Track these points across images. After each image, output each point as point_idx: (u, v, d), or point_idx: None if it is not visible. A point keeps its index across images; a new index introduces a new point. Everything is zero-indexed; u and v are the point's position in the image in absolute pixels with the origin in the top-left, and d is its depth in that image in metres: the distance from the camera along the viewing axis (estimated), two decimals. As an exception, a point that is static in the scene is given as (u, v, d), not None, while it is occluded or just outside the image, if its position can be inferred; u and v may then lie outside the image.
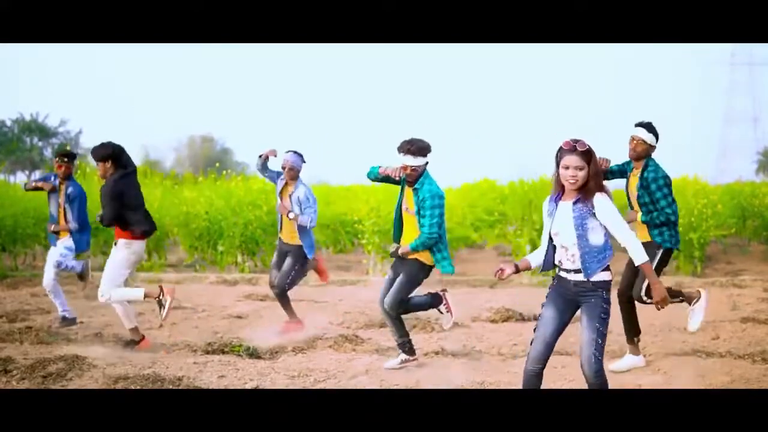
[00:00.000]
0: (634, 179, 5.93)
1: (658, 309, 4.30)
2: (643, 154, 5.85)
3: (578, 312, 4.23)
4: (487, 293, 10.02)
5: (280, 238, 7.46)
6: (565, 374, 5.76)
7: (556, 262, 4.25)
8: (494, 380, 5.66)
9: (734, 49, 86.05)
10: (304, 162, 7.37)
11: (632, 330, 6.05)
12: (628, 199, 6.02)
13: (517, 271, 4.32)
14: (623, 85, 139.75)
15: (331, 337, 7.00)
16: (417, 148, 5.73)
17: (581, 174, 4.08)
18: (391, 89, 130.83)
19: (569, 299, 4.22)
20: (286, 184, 7.37)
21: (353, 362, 6.17)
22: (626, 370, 5.93)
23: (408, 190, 5.91)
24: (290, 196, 7.31)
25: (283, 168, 7.32)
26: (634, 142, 5.86)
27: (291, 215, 7.20)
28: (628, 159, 5.98)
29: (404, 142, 5.77)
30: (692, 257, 12.49)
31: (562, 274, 4.23)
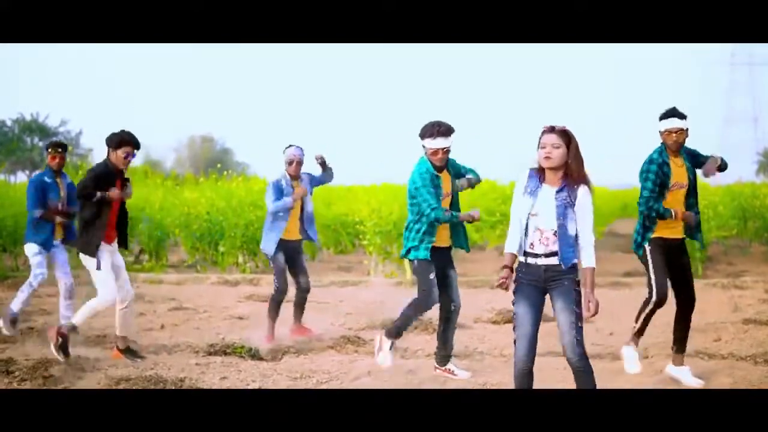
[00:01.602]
0: (683, 168, 5.69)
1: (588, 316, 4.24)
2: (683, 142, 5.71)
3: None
4: (489, 294, 10.00)
5: (281, 239, 7.33)
6: (568, 375, 5.74)
7: (526, 247, 4.22)
8: (496, 381, 5.66)
9: (734, 49, 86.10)
10: (304, 155, 7.40)
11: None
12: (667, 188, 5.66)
13: (513, 269, 4.31)
14: (623, 85, 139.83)
15: (333, 339, 7.00)
16: (446, 128, 5.65)
17: (556, 152, 4.12)
18: (391, 89, 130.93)
19: (539, 288, 4.22)
20: (294, 180, 7.34)
21: (355, 363, 6.17)
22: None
23: (441, 176, 5.78)
24: (303, 184, 7.34)
25: (291, 163, 7.28)
26: (678, 134, 5.61)
27: (306, 189, 7.27)
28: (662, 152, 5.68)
29: (431, 126, 5.66)
30: (694, 258, 12.48)
31: (531, 260, 4.22)
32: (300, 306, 7.41)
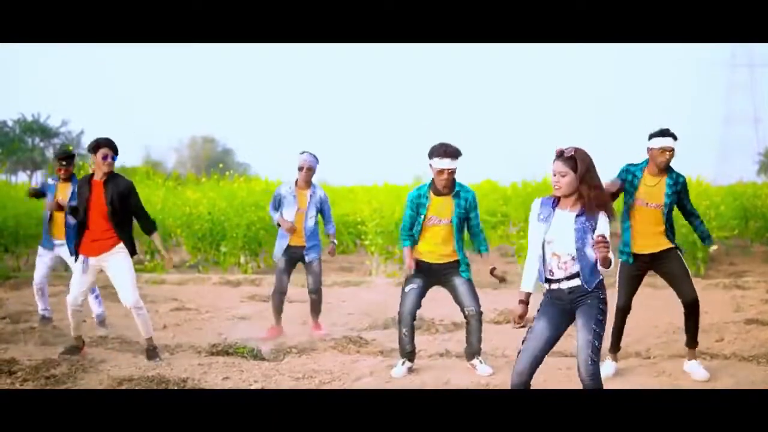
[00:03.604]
0: (659, 188, 5.74)
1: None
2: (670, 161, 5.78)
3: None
4: (491, 295, 10.00)
5: (289, 245, 7.36)
6: (571, 376, 5.75)
7: (547, 274, 4.20)
8: (499, 382, 5.66)
9: (734, 50, 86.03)
10: (318, 163, 7.37)
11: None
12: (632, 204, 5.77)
13: (527, 304, 4.30)
14: (623, 85, 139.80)
15: (335, 339, 7.00)
16: (453, 150, 5.70)
17: (564, 180, 4.10)
18: (392, 89, 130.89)
19: (564, 310, 4.19)
20: (300, 188, 7.35)
21: (357, 364, 6.17)
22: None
23: (439, 200, 5.85)
24: (310, 197, 7.33)
25: (301, 169, 7.29)
26: (670, 153, 5.70)
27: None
28: (631, 167, 5.81)
29: (439, 146, 5.71)
30: (695, 258, 12.47)
31: (554, 286, 4.19)
32: (311, 306, 7.52)
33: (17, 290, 10.35)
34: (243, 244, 13.25)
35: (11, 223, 12.94)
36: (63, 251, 7.52)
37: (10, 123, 56.74)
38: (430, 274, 5.96)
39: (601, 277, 4.15)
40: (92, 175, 6.22)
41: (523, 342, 4.23)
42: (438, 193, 5.86)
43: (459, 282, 5.96)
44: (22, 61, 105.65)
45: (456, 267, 5.98)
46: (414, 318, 5.93)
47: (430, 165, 5.75)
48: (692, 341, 5.87)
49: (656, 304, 8.44)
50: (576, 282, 4.13)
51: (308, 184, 7.37)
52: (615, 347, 5.96)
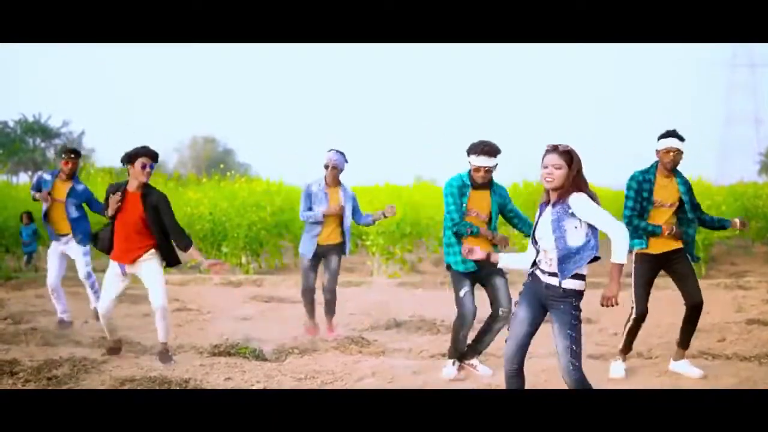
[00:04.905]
0: (672, 188, 5.80)
1: (602, 305, 4.22)
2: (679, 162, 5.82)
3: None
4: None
5: (318, 243, 7.33)
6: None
7: (536, 261, 4.27)
8: (500, 382, 5.64)
9: (735, 50, 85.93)
10: (347, 161, 7.37)
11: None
12: (649, 205, 5.79)
13: (487, 258, 4.48)
14: (623, 85, 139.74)
15: (337, 339, 7.01)
16: (490, 148, 5.69)
17: (558, 173, 4.10)
18: (393, 90, 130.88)
19: (540, 301, 4.23)
20: (330, 186, 7.33)
21: (359, 364, 6.17)
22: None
23: (477, 193, 5.82)
24: (343, 194, 7.34)
25: (326, 167, 7.29)
26: (674, 153, 5.73)
27: (346, 219, 7.31)
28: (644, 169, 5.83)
29: (478, 144, 5.71)
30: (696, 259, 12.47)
31: (537, 272, 4.24)
32: (326, 306, 7.51)
33: (19, 291, 10.36)
34: (244, 244, 13.26)
35: (12, 224, 12.95)
36: (69, 248, 7.56)
37: (11, 124, 56.75)
38: (474, 274, 5.90)
39: (578, 284, 4.11)
40: (124, 183, 6.13)
41: (508, 329, 4.31)
42: (476, 187, 5.83)
43: (500, 282, 5.89)
44: (22, 61, 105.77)
45: (495, 265, 5.97)
46: (474, 319, 5.89)
47: (469, 161, 5.77)
48: (686, 342, 5.89)
49: (659, 304, 8.42)
50: (554, 281, 4.14)
51: (336, 181, 7.36)
52: (626, 349, 5.96)
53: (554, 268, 4.13)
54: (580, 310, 4.15)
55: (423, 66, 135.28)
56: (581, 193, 4.09)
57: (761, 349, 6.60)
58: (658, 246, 5.79)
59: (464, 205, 5.76)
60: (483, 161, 5.68)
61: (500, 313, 5.90)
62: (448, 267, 5.92)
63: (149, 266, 6.14)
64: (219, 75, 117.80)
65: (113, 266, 6.19)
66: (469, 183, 5.79)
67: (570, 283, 4.10)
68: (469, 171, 5.79)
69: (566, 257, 4.08)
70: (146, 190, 6.09)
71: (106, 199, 6.14)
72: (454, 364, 5.95)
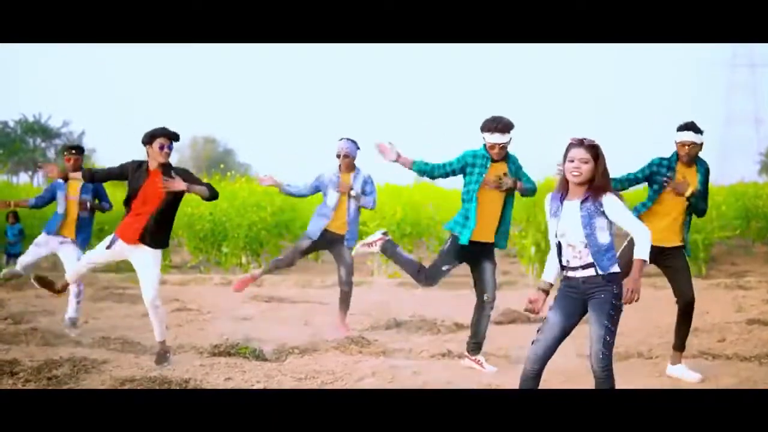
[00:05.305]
0: (692, 178, 5.83)
1: (625, 302, 4.18)
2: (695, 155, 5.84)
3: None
4: (492, 295, 10.00)
5: (326, 229, 7.40)
6: (577, 376, 5.75)
7: (563, 263, 4.24)
8: (500, 382, 5.65)
9: (735, 50, 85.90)
10: (359, 149, 7.40)
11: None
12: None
13: (547, 295, 4.35)
14: (623, 85, 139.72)
15: (337, 339, 7.00)
16: (503, 125, 5.82)
17: (585, 167, 4.10)
18: (393, 89, 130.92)
19: (578, 300, 4.20)
20: (343, 173, 7.37)
21: (360, 364, 6.17)
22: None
23: (494, 166, 5.94)
24: (354, 178, 7.39)
25: (338, 156, 7.33)
26: (689, 146, 5.76)
27: (353, 192, 7.28)
28: (658, 162, 5.84)
29: (489, 121, 5.85)
30: (697, 258, 12.48)
31: (570, 273, 4.21)
32: (342, 298, 7.54)
33: (19, 291, 10.35)
34: (244, 244, 13.27)
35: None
36: (62, 248, 7.45)
37: (11, 124, 56.80)
38: (468, 254, 6.02)
39: (616, 268, 4.13)
40: (145, 162, 6.19)
41: (538, 332, 4.27)
42: (494, 160, 5.96)
43: (489, 268, 6.04)
44: (22, 61, 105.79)
45: (491, 249, 6.04)
46: None
47: (483, 137, 5.90)
48: (681, 345, 5.84)
49: (658, 304, 8.43)
50: (591, 272, 4.13)
51: (350, 169, 7.40)
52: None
53: (585, 260, 4.13)
54: (620, 298, 4.10)
55: (423, 66, 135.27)
56: (613, 194, 4.13)
57: (761, 349, 6.60)
58: (655, 238, 5.75)
59: (481, 176, 5.89)
60: (497, 138, 5.83)
61: (485, 298, 6.05)
62: (455, 239, 5.99)
63: (143, 255, 6.11)
64: (219, 75, 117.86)
65: (108, 239, 6.17)
66: (488, 156, 5.93)
67: (609, 270, 4.13)
68: (484, 146, 5.93)
69: (600, 254, 4.10)
70: (166, 170, 6.19)
71: (122, 166, 6.20)
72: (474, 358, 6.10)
